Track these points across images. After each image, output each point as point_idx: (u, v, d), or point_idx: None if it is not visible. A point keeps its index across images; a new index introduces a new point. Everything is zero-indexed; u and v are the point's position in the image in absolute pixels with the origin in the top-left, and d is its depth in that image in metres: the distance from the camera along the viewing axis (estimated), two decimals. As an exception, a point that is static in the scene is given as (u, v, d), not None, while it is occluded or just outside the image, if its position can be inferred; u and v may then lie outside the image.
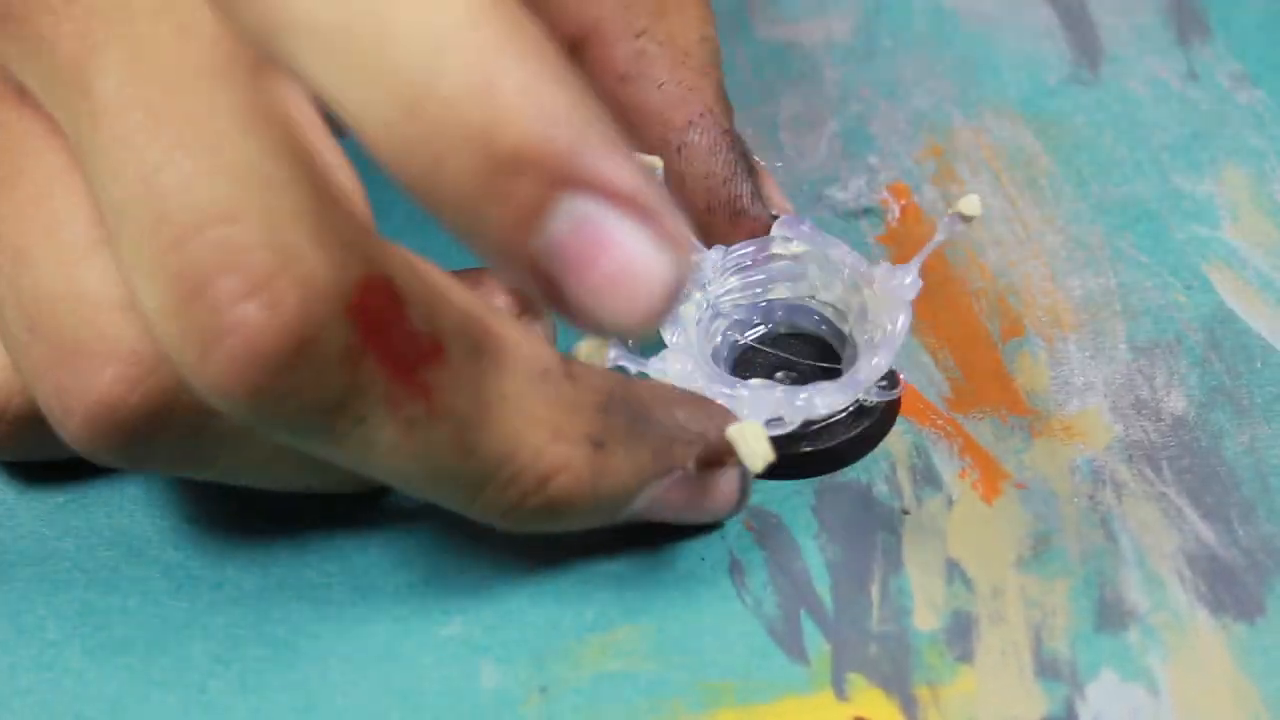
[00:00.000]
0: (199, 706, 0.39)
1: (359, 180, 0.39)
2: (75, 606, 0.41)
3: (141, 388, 0.37)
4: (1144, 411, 0.44)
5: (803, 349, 0.45)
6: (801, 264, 0.44)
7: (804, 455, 0.43)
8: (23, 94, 0.38)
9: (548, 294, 0.33)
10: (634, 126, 0.46)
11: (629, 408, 0.39)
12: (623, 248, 0.32)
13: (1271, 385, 0.45)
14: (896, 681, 0.39)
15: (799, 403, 0.42)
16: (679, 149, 0.45)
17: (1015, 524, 0.42)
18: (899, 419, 0.44)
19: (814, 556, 0.42)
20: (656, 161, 0.44)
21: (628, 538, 0.42)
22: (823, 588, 0.41)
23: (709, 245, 0.45)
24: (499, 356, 0.37)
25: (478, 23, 0.32)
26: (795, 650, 0.40)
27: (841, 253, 0.44)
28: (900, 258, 0.48)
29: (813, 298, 0.45)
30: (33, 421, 0.40)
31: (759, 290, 0.45)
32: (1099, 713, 0.39)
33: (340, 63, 0.32)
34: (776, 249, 0.44)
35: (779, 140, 0.51)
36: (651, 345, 0.43)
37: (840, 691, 0.39)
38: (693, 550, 0.42)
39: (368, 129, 0.32)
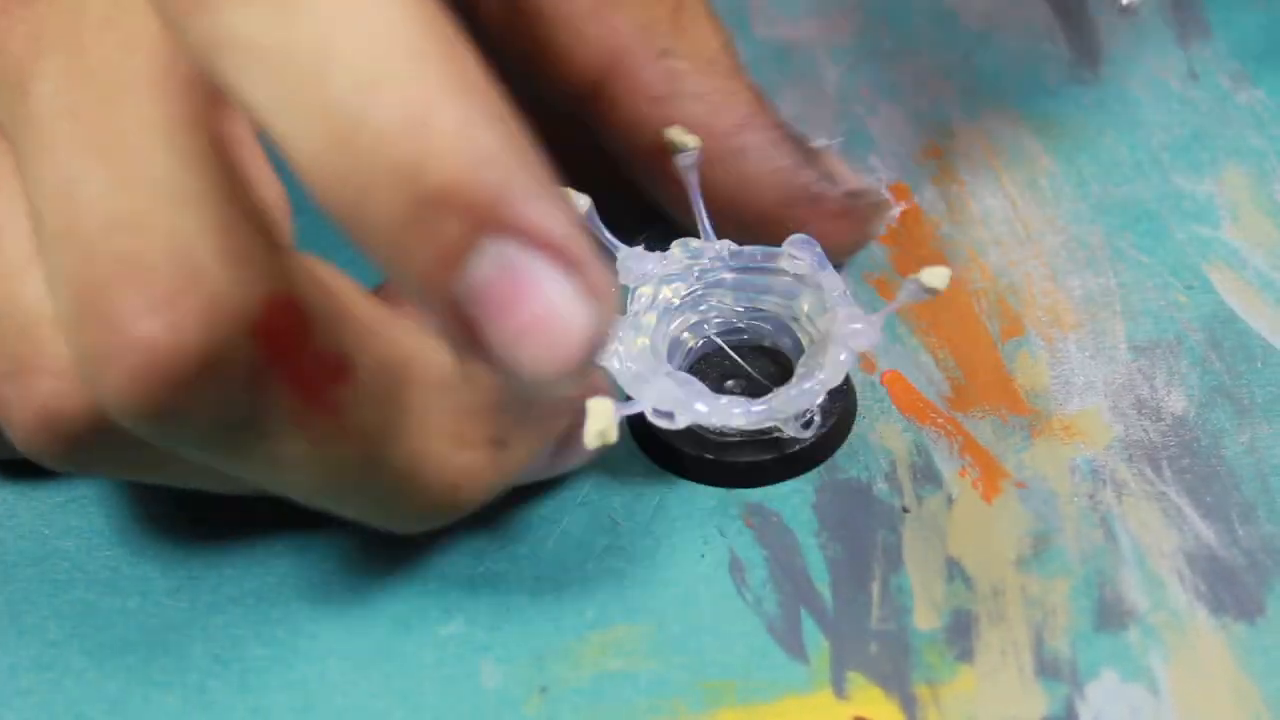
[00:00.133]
0: (199, 706, 0.39)
1: (285, 194, 0.39)
2: (75, 606, 0.41)
3: (76, 399, 0.37)
4: (1144, 411, 0.44)
5: (768, 367, 0.44)
6: (800, 285, 0.44)
7: (789, 456, 0.43)
8: None
9: (467, 338, 0.32)
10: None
11: (522, 397, 0.39)
12: (544, 295, 0.32)
13: (1272, 385, 0.45)
14: (896, 680, 0.39)
15: (700, 407, 0.42)
16: (736, 153, 0.45)
17: (1015, 523, 0.42)
18: (899, 417, 0.44)
19: (814, 555, 0.42)
20: (584, 200, 0.44)
21: (628, 535, 0.42)
22: (823, 586, 0.41)
23: (784, 238, 0.45)
24: (404, 370, 0.37)
25: (419, 57, 0.32)
26: (795, 649, 0.40)
27: (833, 283, 0.43)
28: (900, 258, 0.48)
29: (795, 320, 0.44)
30: None
31: (752, 295, 0.45)
32: (1099, 712, 0.39)
33: (277, 87, 0.32)
34: (784, 264, 0.44)
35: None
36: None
37: (840, 690, 0.39)
38: (693, 549, 0.42)
39: (297, 155, 0.32)
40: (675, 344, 0.45)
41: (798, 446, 0.43)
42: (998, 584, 0.41)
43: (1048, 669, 0.39)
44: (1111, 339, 0.46)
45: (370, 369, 0.37)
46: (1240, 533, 0.42)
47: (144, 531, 0.42)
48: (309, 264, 0.37)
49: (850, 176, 0.46)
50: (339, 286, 0.37)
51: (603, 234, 0.44)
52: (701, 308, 0.45)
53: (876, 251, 0.49)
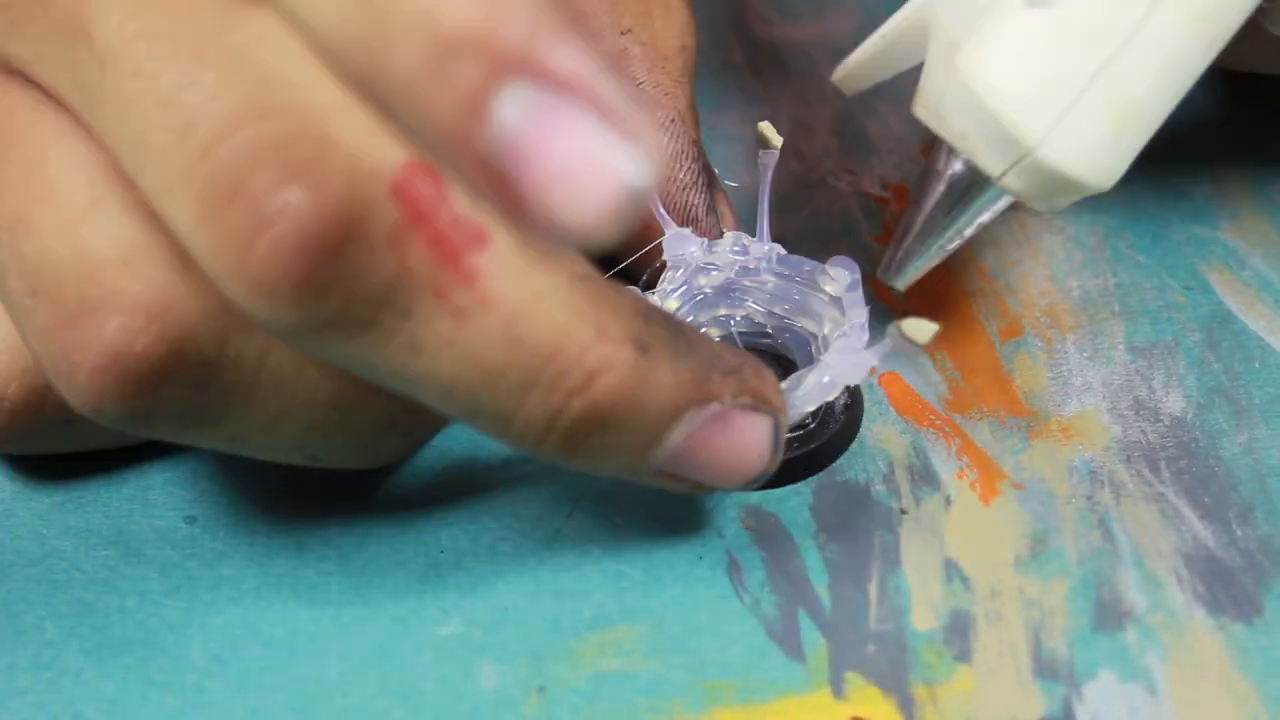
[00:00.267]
0: (197, 706, 0.39)
1: None
2: (73, 606, 0.41)
3: (145, 337, 0.37)
4: (1142, 412, 0.44)
5: (770, 369, 0.44)
6: (831, 306, 0.44)
7: (795, 460, 0.43)
8: (5, 72, 0.38)
9: (502, 195, 0.31)
10: None
11: (670, 323, 0.38)
12: (574, 138, 0.31)
13: (1269, 386, 0.45)
14: (894, 681, 0.39)
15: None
16: None
17: (1013, 524, 0.42)
18: (897, 419, 0.44)
19: (812, 556, 0.42)
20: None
21: (626, 535, 0.42)
22: (821, 587, 0.41)
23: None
24: (543, 250, 0.36)
25: None
26: (793, 649, 0.40)
27: (856, 314, 0.43)
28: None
29: (815, 338, 0.44)
30: (32, 409, 0.40)
31: (785, 304, 0.45)
32: (1097, 713, 0.39)
33: None
34: (820, 280, 0.44)
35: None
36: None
37: (838, 690, 0.39)
38: (691, 550, 0.42)
39: (319, 28, 0.32)
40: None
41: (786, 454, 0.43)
42: (996, 585, 0.41)
43: (1045, 669, 0.39)
44: (1110, 340, 0.46)
45: (509, 240, 0.36)
46: (1238, 533, 0.42)
47: (142, 531, 0.42)
48: None
49: (732, 221, 0.46)
50: None
51: (657, 208, 0.44)
52: (731, 303, 0.45)
53: (876, 252, 0.49)
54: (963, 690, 0.39)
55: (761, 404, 0.39)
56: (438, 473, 0.43)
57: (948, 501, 0.43)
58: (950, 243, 0.43)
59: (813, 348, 0.44)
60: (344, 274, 0.35)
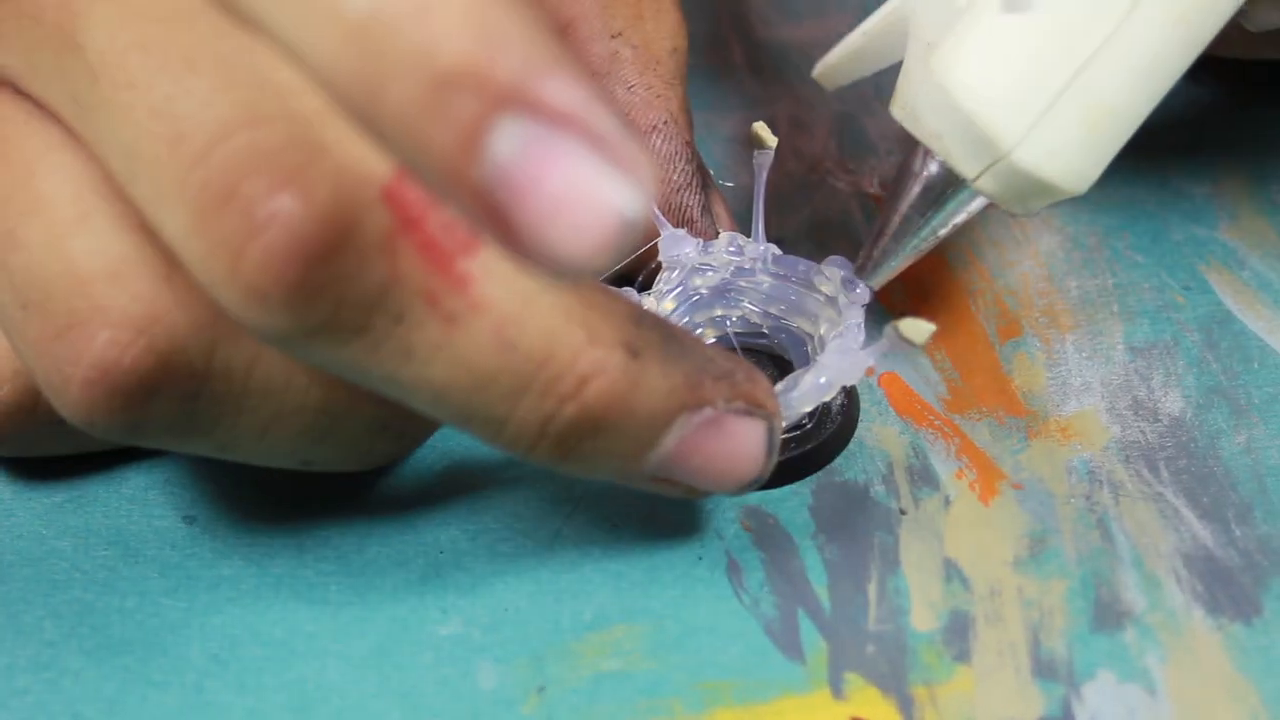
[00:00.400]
0: (196, 706, 0.39)
1: None
2: (73, 606, 0.41)
3: (134, 350, 0.37)
4: (1141, 412, 0.44)
5: (775, 378, 0.44)
6: (827, 306, 0.44)
7: (792, 460, 0.43)
8: None
9: (497, 227, 0.31)
10: None
11: (662, 327, 0.38)
12: (568, 171, 0.31)
13: (1268, 385, 0.45)
14: (893, 681, 0.39)
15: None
16: None
17: (1012, 524, 0.42)
18: (896, 419, 0.44)
19: (811, 556, 0.42)
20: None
21: (625, 536, 0.42)
22: (820, 588, 0.41)
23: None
24: None
25: None
26: (792, 650, 0.40)
27: (852, 313, 0.43)
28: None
29: (811, 338, 0.44)
30: (24, 411, 0.40)
31: (780, 305, 0.45)
32: (1096, 713, 0.39)
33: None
34: (819, 281, 0.44)
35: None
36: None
37: (837, 691, 0.39)
38: (690, 550, 0.42)
39: (316, 61, 0.32)
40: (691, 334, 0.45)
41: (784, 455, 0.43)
42: (995, 585, 0.41)
43: (1044, 669, 0.39)
44: (1109, 340, 0.46)
45: (500, 247, 0.36)
46: (1237, 533, 0.42)
47: (141, 532, 0.42)
48: None
49: (728, 221, 0.46)
50: None
51: (653, 209, 0.44)
52: (726, 304, 0.45)
53: (874, 252, 0.49)
54: (962, 690, 0.39)
55: (755, 408, 0.39)
56: (437, 473, 0.43)
57: (947, 502, 0.43)
58: (925, 243, 0.43)
59: (809, 348, 0.44)
60: (336, 279, 0.35)
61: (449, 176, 0.31)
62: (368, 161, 0.35)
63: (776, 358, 0.45)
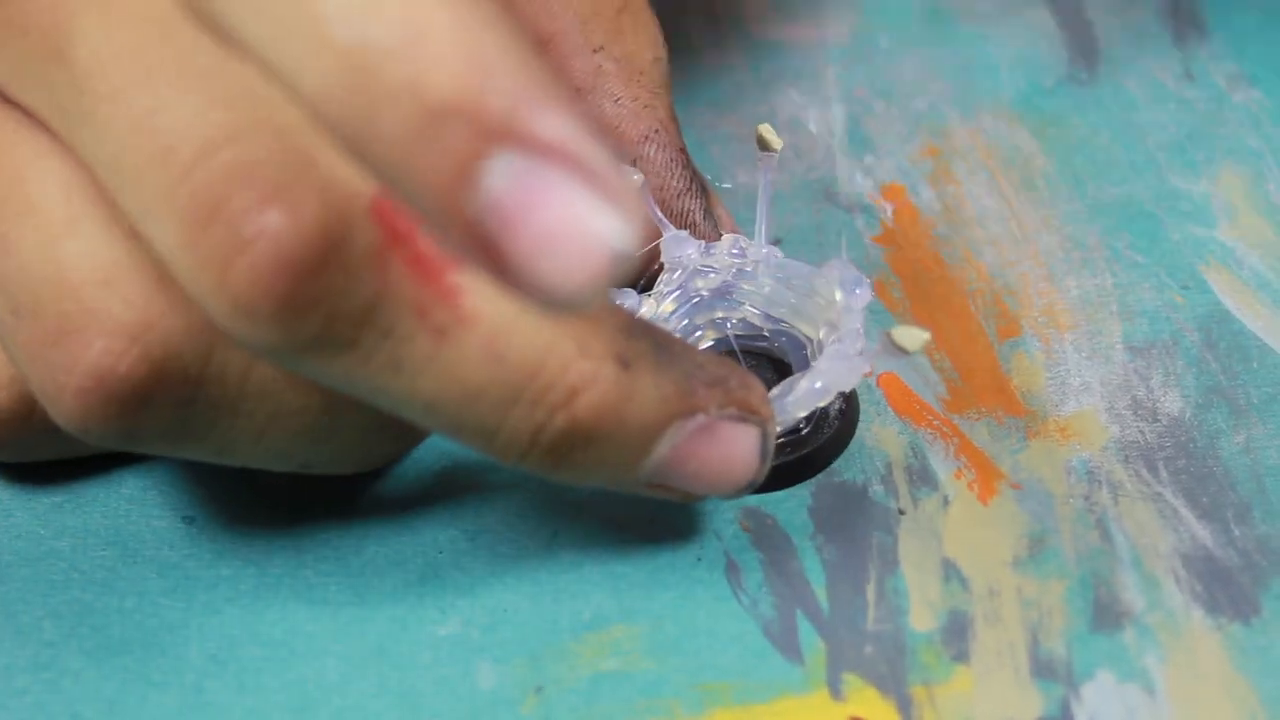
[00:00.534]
0: (195, 706, 0.39)
1: None
2: (71, 607, 0.41)
3: (128, 358, 0.37)
4: (1140, 412, 0.44)
5: (774, 382, 0.44)
6: (828, 310, 0.44)
7: (789, 464, 0.43)
8: None
9: (489, 259, 0.31)
10: None
11: (653, 337, 0.38)
12: (560, 204, 0.31)
13: (1267, 385, 0.45)
14: (892, 681, 0.39)
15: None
16: (634, 163, 0.45)
17: (1011, 524, 0.42)
18: (895, 419, 0.44)
19: (810, 557, 0.42)
20: (636, 176, 0.44)
21: (624, 537, 0.42)
22: (819, 588, 0.41)
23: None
24: None
25: None
26: (791, 650, 0.40)
27: (851, 318, 0.43)
28: (896, 258, 0.48)
29: (811, 340, 0.44)
30: (20, 418, 0.40)
31: (781, 308, 0.45)
32: (1095, 713, 0.39)
33: (274, 22, 0.32)
34: (817, 283, 0.44)
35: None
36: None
37: (836, 691, 0.39)
38: (689, 551, 0.42)
39: (305, 89, 0.32)
40: (690, 335, 0.45)
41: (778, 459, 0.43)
42: (993, 585, 0.41)
43: (1043, 670, 0.39)
44: (1108, 340, 0.46)
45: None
46: (1236, 533, 0.42)
47: (140, 532, 0.42)
48: None
49: (729, 223, 0.46)
50: None
51: (653, 211, 0.44)
52: (728, 306, 0.45)
53: (873, 251, 0.49)
54: (961, 691, 0.39)
55: (749, 414, 0.39)
56: (437, 473, 0.43)
57: (946, 502, 0.43)
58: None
59: (808, 352, 0.44)
60: (324, 294, 0.35)
61: (439, 207, 0.32)
62: (355, 175, 0.35)
63: (776, 360, 0.45)
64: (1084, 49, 0.54)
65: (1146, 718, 0.39)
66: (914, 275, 0.48)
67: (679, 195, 0.45)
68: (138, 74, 0.35)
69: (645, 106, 0.46)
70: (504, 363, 0.36)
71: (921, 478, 0.43)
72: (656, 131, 0.46)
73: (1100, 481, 0.43)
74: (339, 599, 0.41)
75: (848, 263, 0.44)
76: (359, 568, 0.42)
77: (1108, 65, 0.53)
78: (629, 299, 0.44)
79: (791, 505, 0.43)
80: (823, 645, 0.40)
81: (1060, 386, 0.45)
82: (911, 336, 0.40)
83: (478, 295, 0.36)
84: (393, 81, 0.31)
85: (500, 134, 0.31)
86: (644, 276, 0.45)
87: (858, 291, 0.43)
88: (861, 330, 0.43)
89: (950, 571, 0.41)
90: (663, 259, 0.45)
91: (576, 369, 0.37)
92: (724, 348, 0.45)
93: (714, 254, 0.45)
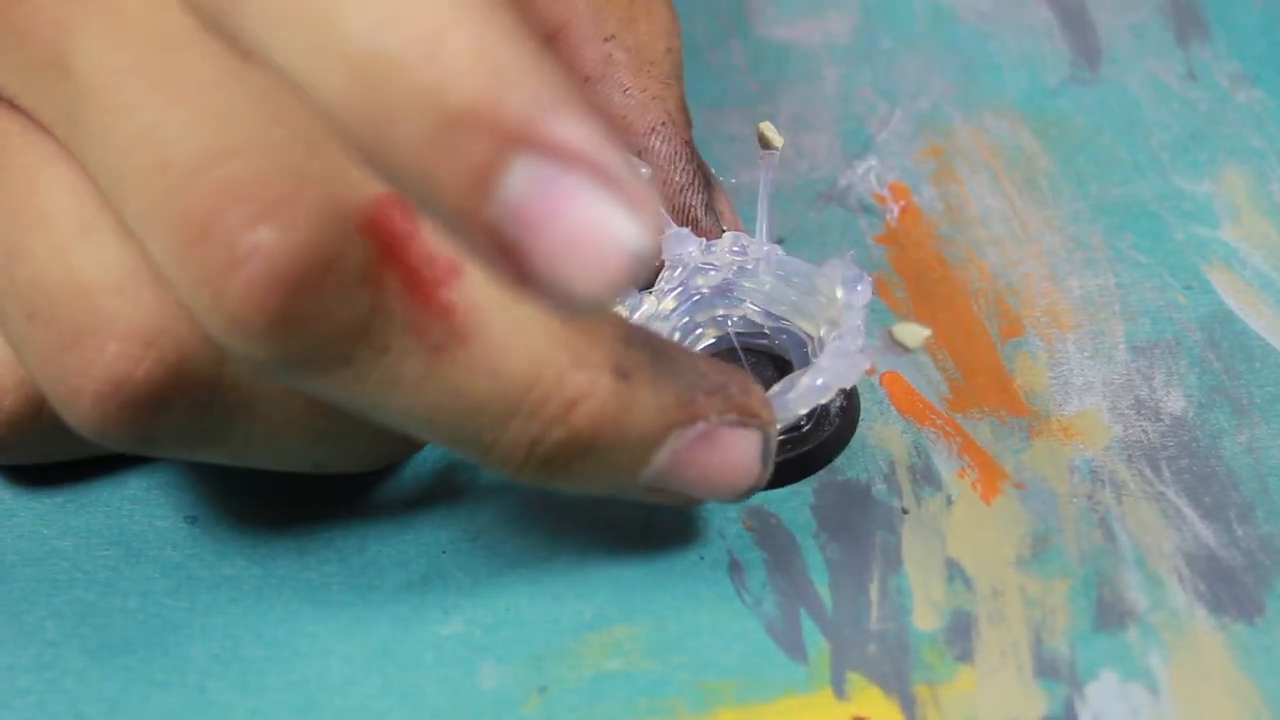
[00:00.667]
0: (198, 706, 0.39)
1: None
2: (74, 606, 0.41)
3: (145, 363, 0.37)
4: (1143, 412, 0.44)
5: (774, 380, 0.44)
6: (829, 308, 0.44)
7: (790, 461, 0.43)
8: None
9: (509, 264, 0.32)
10: None
11: (651, 346, 0.38)
12: (581, 209, 0.31)
13: (1270, 385, 0.45)
14: (896, 681, 0.39)
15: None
16: (639, 154, 0.45)
17: (1014, 524, 0.42)
18: (898, 418, 0.44)
19: (813, 556, 0.42)
20: (644, 170, 0.44)
21: (627, 536, 0.42)
22: (822, 587, 0.41)
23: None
24: None
25: None
26: (794, 649, 0.40)
27: (852, 316, 0.43)
28: (899, 258, 0.48)
29: (812, 338, 0.44)
30: (27, 420, 0.40)
31: (782, 306, 0.45)
32: (1098, 712, 0.39)
33: (291, 31, 0.32)
34: (818, 281, 0.44)
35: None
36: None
37: (840, 690, 0.39)
38: (692, 550, 0.42)
39: (322, 96, 0.32)
40: (691, 333, 0.45)
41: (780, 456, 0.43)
42: (997, 584, 0.41)
43: (1047, 669, 0.39)
44: (1110, 339, 0.46)
45: (484, 273, 0.36)
46: (1239, 533, 0.42)
47: (143, 532, 0.42)
48: None
49: (732, 219, 0.46)
50: None
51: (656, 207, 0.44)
52: (729, 304, 0.45)
53: (875, 251, 0.49)
54: (964, 690, 0.39)
55: (749, 418, 0.39)
56: (438, 473, 0.43)
57: (949, 501, 0.43)
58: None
59: (809, 349, 0.44)
60: (318, 311, 0.35)
61: (459, 214, 0.32)
62: (349, 191, 0.35)
63: (777, 358, 0.45)
64: (1087, 49, 0.54)
65: (1150, 717, 0.39)
66: (916, 275, 0.48)
67: (681, 190, 0.45)
68: (138, 86, 0.35)
69: (654, 98, 0.46)
70: (500, 377, 0.37)
71: (925, 477, 0.43)
72: (663, 124, 0.46)
73: (1103, 481, 0.43)
74: (342, 599, 0.41)
75: (849, 260, 0.44)
76: (362, 567, 0.42)
77: (1110, 65, 0.53)
78: (630, 296, 0.44)
79: (795, 504, 0.43)
80: (826, 644, 0.40)
81: (1063, 386, 0.45)
82: (912, 333, 0.40)
83: (474, 311, 0.36)
84: (411, 89, 0.31)
85: (519, 139, 0.31)
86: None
87: (859, 289, 0.43)
88: (863, 327, 0.43)
89: (954, 571, 0.41)
90: (663, 256, 0.45)
91: (574, 381, 0.37)
92: (725, 345, 0.45)
93: (715, 251, 0.45)
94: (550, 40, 0.46)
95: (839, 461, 0.43)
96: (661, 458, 0.38)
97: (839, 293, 0.44)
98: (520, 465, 0.38)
